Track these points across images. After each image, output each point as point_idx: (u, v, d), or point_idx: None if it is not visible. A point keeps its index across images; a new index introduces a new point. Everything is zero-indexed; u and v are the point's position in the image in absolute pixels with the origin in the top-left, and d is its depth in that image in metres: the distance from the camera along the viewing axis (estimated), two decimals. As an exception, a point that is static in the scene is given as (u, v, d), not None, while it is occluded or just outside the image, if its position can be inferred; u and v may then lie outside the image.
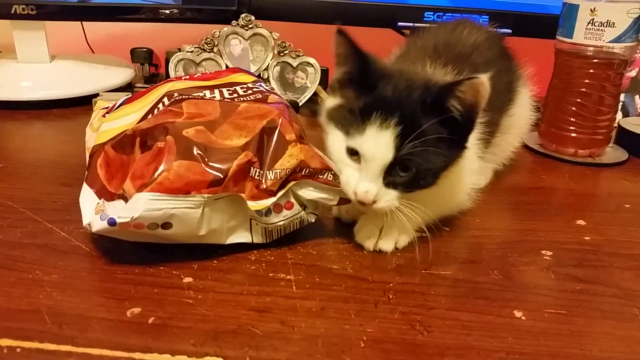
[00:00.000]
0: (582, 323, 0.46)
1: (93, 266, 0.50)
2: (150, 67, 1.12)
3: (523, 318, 0.46)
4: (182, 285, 0.47)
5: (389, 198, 0.51)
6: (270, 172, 0.51)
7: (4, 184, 0.65)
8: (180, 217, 0.47)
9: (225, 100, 0.56)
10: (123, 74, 1.06)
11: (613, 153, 0.86)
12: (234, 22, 0.98)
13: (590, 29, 0.78)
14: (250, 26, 0.99)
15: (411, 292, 0.48)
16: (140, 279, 0.48)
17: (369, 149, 0.50)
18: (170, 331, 0.42)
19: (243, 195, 0.50)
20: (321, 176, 0.53)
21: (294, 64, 1.00)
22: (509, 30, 0.99)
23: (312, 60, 1.00)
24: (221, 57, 0.99)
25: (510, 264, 0.54)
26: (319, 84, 1.02)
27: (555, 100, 0.84)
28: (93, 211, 0.48)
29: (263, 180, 0.51)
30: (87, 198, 0.51)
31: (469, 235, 0.60)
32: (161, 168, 0.47)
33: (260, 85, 0.62)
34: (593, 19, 0.77)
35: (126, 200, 0.47)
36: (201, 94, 0.56)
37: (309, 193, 0.53)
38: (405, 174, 0.50)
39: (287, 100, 0.61)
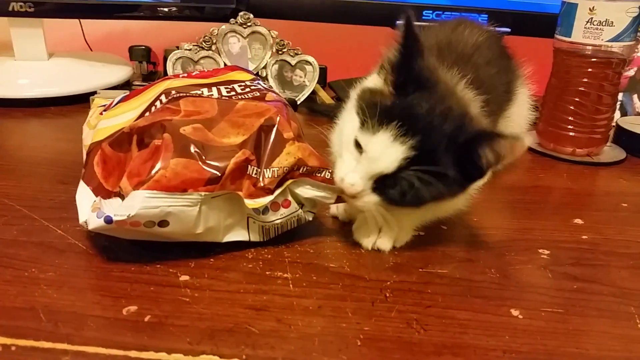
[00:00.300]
0: (579, 322, 0.46)
1: (89, 264, 0.50)
2: (148, 65, 1.12)
3: (520, 317, 0.46)
4: (178, 283, 0.47)
5: (368, 200, 0.50)
6: (268, 170, 0.51)
7: (1, 181, 0.65)
8: (177, 215, 0.47)
9: (223, 98, 0.56)
10: (121, 71, 1.06)
11: (611, 152, 0.86)
12: (232, 20, 0.98)
13: (589, 28, 0.78)
14: (249, 24, 0.98)
15: (408, 291, 0.48)
16: (136, 277, 0.48)
17: (373, 153, 0.48)
18: (166, 329, 0.42)
19: (240, 193, 0.50)
20: (319, 174, 0.53)
21: (293, 62, 1.00)
22: (508, 29, 0.99)
23: (310, 59, 1.00)
24: (219, 55, 0.99)
25: (507, 263, 0.54)
26: (318, 82, 1.01)
27: (553, 99, 0.84)
28: (89, 209, 0.48)
29: (260, 179, 0.51)
30: (84, 196, 0.51)
31: (466, 233, 0.60)
32: (158, 166, 0.47)
33: (258, 83, 0.61)
34: (592, 18, 0.77)
35: (123, 198, 0.47)
36: (199, 92, 0.56)
37: (306, 191, 0.53)
38: (395, 191, 0.49)
39: (285, 98, 0.60)
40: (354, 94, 0.54)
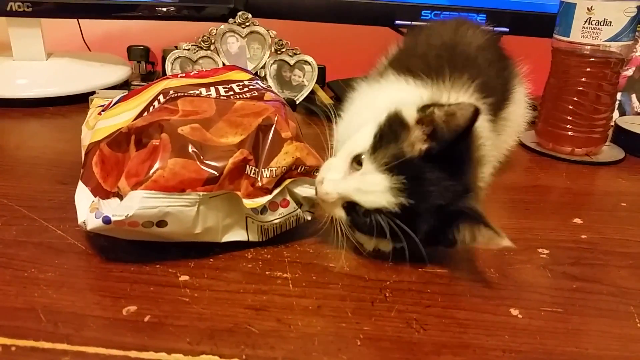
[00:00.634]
0: (578, 321, 0.46)
1: (89, 264, 0.50)
2: (146, 65, 1.12)
3: (519, 316, 0.46)
4: (178, 283, 0.47)
5: (335, 211, 0.51)
6: (266, 170, 0.51)
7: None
8: (175, 215, 0.47)
9: (221, 97, 0.56)
10: (119, 71, 1.06)
11: (610, 152, 0.86)
12: (230, 20, 0.98)
13: (587, 27, 0.78)
14: (247, 24, 0.98)
15: (407, 290, 0.48)
16: (136, 277, 0.48)
17: (364, 186, 0.48)
18: (166, 329, 0.42)
19: (239, 193, 0.50)
20: (317, 174, 0.53)
21: (291, 62, 1.00)
22: (506, 29, 0.99)
23: (309, 59, 1.00)
24: (218, 55, 0.99)
25: (506, 262, 0.54)
26: (316, 82, 1.01)
27: (552, 99, 0.84)
28: (88, 209, 0.48)
29: (259, 178, 0.51)
30: (83, 196, 0.51)
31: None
32: (156, 166, 0.47)
33: (256, 82, 0.61)
34: (590, 18, 0.77)
35: (121, 198, 0.47)
36: (197, 92, 0.56)
37: (304, 190, 0.53)
38: (362, 221, 0.49)
39: (284, 98, 0.60)
40: (384, 101, 0.53)
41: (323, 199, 0.51)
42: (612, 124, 0.87)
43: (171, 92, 0.55)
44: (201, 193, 0.47)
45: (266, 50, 1.00)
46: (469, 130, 0.47)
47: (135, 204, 0.45)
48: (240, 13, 0.98)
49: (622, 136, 0.88)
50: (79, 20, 1.18)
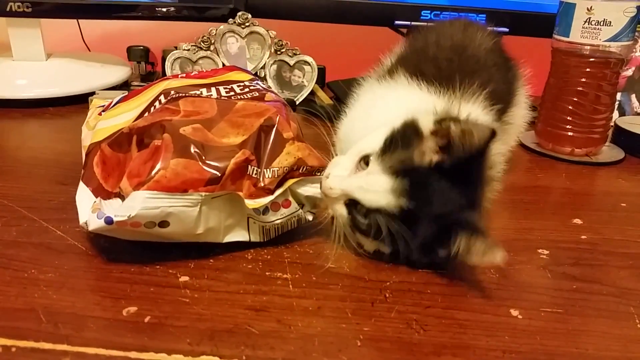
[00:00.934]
0: (579, 322, 0.46)
1: (89, 265, 0.50)
2: (146, 66, 1.12)
3: (519, 317, 0.46)
4: (178, 284, 0.47)
5: (336, 208, 0.51)
6: (268, 170, 0.51)
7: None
8: (177, 216, 0.47)
9: (222, 98, 0.56)
10: (119, 72, 1.06)
11: (609, 152, 0.86)
12: (230, 20, 0.98)
13: (586, 27, 0.78)
14: (247, 24, 0.98)
15: (407, 291, 0.48)
16: (136, 278, 0.48)
17: (368, 185, 0.48)
18: (166, 330, 0.42)
19: (240, 193, 0.50)
20: (319, 174, 0.53)
21: (291, 63, 1.00)
22: (506, 29, 0.99)
23: (309, 59, 1.00)
24: (218, 55, 0.98)
25: (506, 263, 0.53)
26: (316, 82, 1.01)
27: (551, 99, 0.84)
28: (90, 210, 0.48)
29: (261, 179, 0.51)
30: (84, 196, 0.51)
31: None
32: (158, 166, 0.47)
33: (257, 83, 0.61)
34: (590, 18, 0.77)
35: (123, 198, 0.47)
36: (198, 92, 0.56)
37: (307, 190, 0.53)
38: (362, 220, 0.49)
39: (284, 98, 0.60)
40: (396, 106, 0.54)
41: (326, 194, 0.51)
42: (612, 124, 0.88)
43: (172, 92, 0.55)
44: (203, 193, 0.47)
45: (266, 50, 1.00)
46: (483, 151, 0.48)
47: (137, 205, 0.45)
48: (240, 13, 0.98)
49: (621, 136, 0.88)
50: (79, 20, 1.18)
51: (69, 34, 1.19)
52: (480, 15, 1.01)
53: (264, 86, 0.61)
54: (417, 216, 0.47)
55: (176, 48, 0.99)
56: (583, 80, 0.80)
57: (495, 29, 0.77)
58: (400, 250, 0.49)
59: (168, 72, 0.97)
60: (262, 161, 0.51)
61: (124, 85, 1.05)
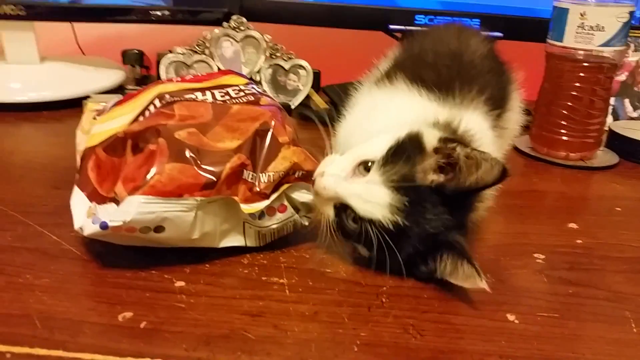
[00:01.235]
0: (575, 326, 0.46)
1: (84, 270, 0.49)
2: (141, 69, 1.12)
3: (516, 321, 0.46)
4: (174, 289, 0.47)
5: (325, 209, 0.51)
6: (264, 174, 0.51)
7: (-7, 186, 0.64)
8: (173, 221, 0.47)
9: (218, 102, 0.56)
10: (114, 75, 1.05)
11: (604, 156, 0.86)
12: (225, 24, 0.98)
13: (580, 32, 0.78)
14: (242, 28, 0.98)
15: (404, 296, 0.48)
16: (131, 283, 0.47)
17: (366, 195, 0.48)
18: (162, 336, 0.42)
19: (236, 198, 0.50)
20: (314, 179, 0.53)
21: (286, 67, 1.00)
22: (500, 34, 0.99)
23: (304, 63, 1.00)
24: (213, 59, 0.98)
25: (502, 268, 0.54)
26: (311, 86, 1.01)
27: (546, 104, 0.84)
28: (84, 215, 0.48)
29: (256, 183, 0.51)
30: (78, 201, 0.51)
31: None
32: (153, 171, 0.47)
33: (252, 87, 0.61)
34: (583, 23, 0.78)
35: (118, 203, 0.47)
36: (193, 96, 0.56)
37: (302, 195, 0.53)
38: (352, 226, 0.49)
39: (279, 102, 0.60)
40: (399, 112, 0.54)
41: (319, 193, 0.50)
42: (606, 128, 0.88)
43: (167, 96, 0.55)
44: (199, 198, 0.47)
45: (261, 54, 0.99)
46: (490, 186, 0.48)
47: (132, 209, 0.45)
48: (234, 17, 0.98)
49: (615, 141, 0.89)
50: (73, 23, 1.17)
51: (64, 38, 1.18)
52: (474, 20, 1.01)
53: (259, 90, 0.61)
54: (408, 233, 0.48)
55: (171, 52, 0.99)
56: (577, 85, 0.80)
57: (489, 33, 0.77)
58: (383, 259, 0.49)
59: (163, 75, 0.97)
60: (258, 166, 0.51)
61: (119, 89, 1.04)
